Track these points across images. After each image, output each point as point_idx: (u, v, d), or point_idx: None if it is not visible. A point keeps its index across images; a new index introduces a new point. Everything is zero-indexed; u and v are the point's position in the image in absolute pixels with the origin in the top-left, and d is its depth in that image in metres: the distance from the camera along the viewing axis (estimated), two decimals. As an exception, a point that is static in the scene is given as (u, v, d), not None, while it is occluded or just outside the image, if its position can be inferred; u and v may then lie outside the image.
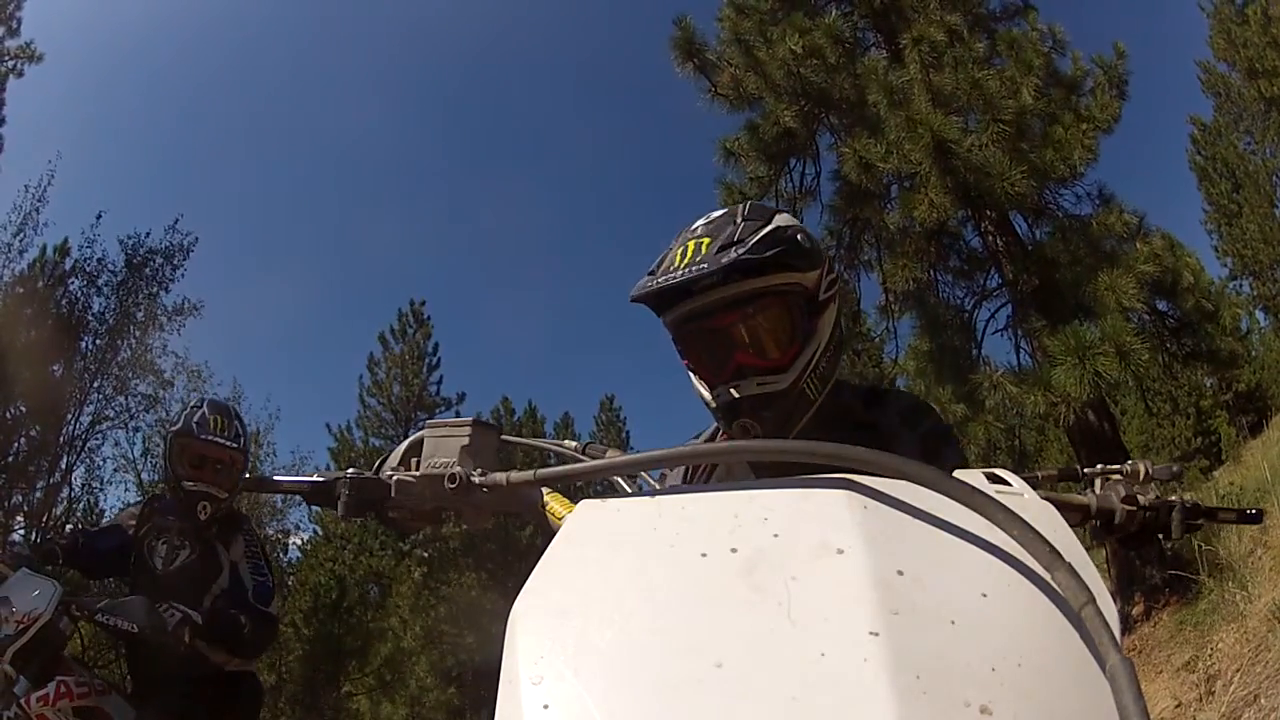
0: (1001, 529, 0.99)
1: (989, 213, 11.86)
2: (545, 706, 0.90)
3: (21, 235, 20.31)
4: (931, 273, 12.91)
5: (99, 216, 21.33)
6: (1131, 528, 1.42)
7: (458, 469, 1.39)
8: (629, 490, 1.49)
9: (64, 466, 19.73)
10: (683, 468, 2.27)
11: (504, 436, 1.55)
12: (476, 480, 1.37)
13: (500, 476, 1.35)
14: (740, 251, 1.92)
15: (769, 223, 2.04)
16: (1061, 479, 1.49)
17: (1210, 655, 8.19)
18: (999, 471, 1.24)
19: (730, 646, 0.91)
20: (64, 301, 20.45)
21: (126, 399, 20.86)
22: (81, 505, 19.77)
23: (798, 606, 0.94)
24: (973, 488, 1.03)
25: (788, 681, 0.87)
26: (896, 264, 12.72)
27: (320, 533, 26.29)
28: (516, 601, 1.05)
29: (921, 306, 12.70)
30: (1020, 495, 1.19)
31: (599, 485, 1.46)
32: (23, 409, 19.27)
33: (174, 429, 4.89)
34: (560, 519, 1.33)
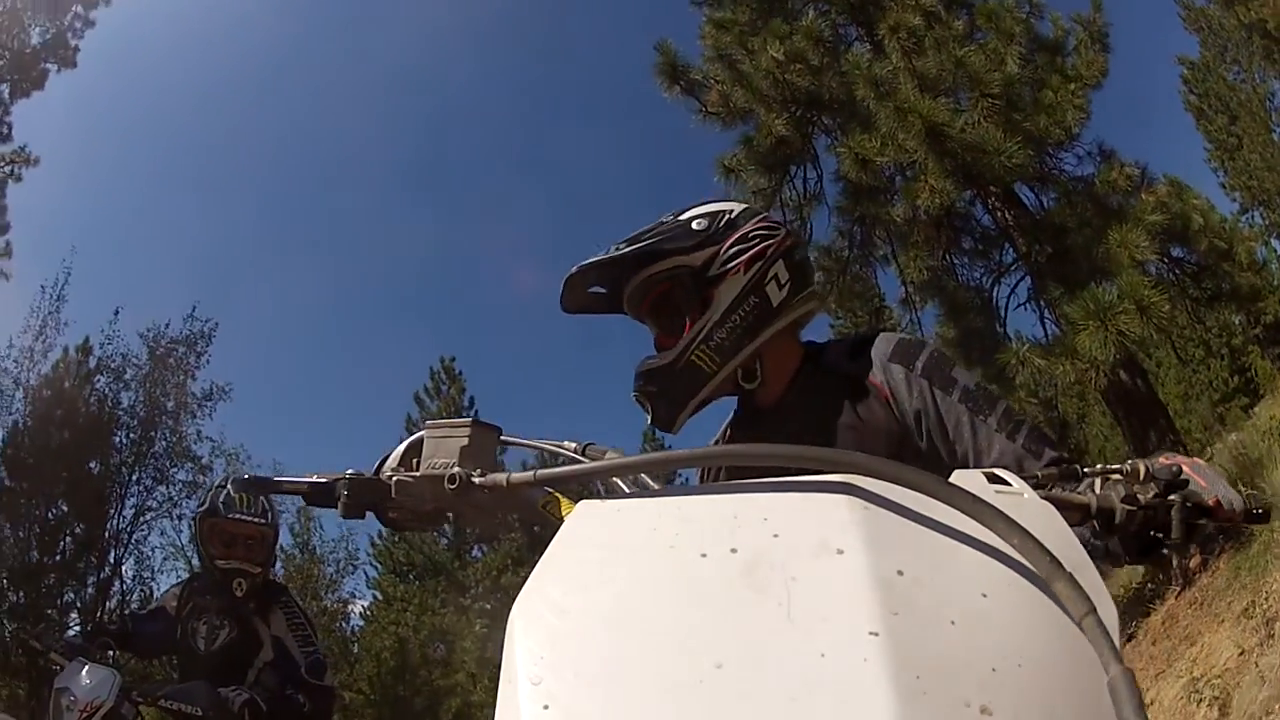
0: (1002, 538, 0.99)
1: (993, 189, 11.82)
2: (545, 707, 0.90)
3: (43, 337, 20.72)
4: (947, 258, 12.91)
5: (116, 312, 21.84)
6: (1131, 527, 1.41)
7: (458, 469, 1.38)
8: (629, 491, 1.47)
9: (113, 560, 20.06)
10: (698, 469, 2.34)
11: (504, 437, 1.56)
12: (477, 481, 1.37)
13: (500, 477, 1.34)
14: (601, 258, 2.20)
15: (678, 215, 2.29)
16: (1061, 479, 1.48)
17: (1266, 598, 8.15)
18: (998, 471, 1.24)
19: (730, 647, 0.91)
20: (92, 399, 20.80)
21: (167, 488, 21.32)
22: (135, 596, 20.02)
23: (798, 606, 0.94)
24: (973, 495, 1.02)
25: (788, 682, 0.87)
26: (910, 255, 12.73)
27: (380, 597, 26.31)
28: (516, 601, 1.05)
29: (941, 293, 12.69)
30: (1020, 495, 1.19)
31: (599, 486, 1.46)
32: (64, 508, 19.50)
33: (201, 510, 4.99)
34: (560, 519, 1.31)
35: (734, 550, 1.03)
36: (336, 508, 1.49)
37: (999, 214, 12.34)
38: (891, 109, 10.75)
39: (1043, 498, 1.20)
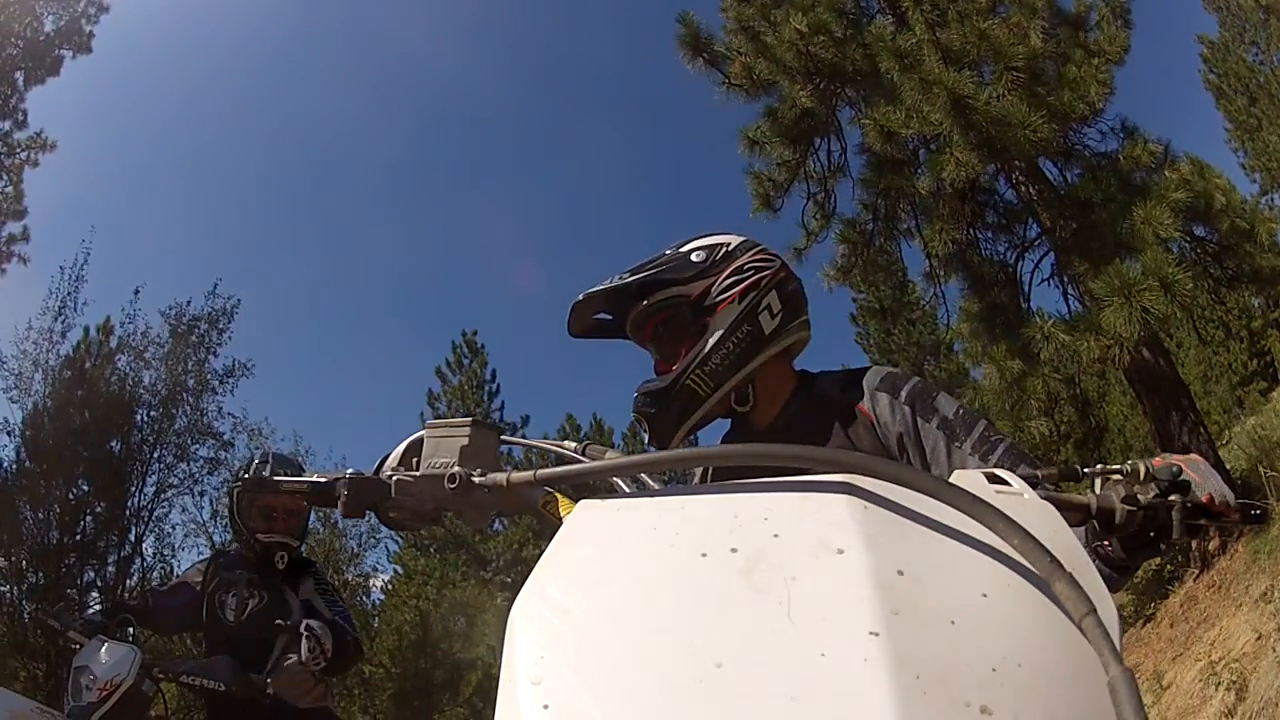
0: (1002, 538, 0.99)
1: (1017, 163, 11.74)
2: (545, 707, 0.91)
3: (63, 318, 20.83)
4: (970, 231, 12.85)
5: (137, 291, 21.92)
6: (1131, 528, 1.43)
7: (458, 469, 1.39)
8: (629, 490, 1.49)
9: (133, 538, 20.21)
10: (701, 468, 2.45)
11: (504, 438, 1.57)
12: (477, 480, 1.37)
13: (500, 477, 1.35)
14: (603, 287, 2.35)
15: (680, 247, 2.44)
16: (1061, 479, 1.52)
17: (1284, 584, 8.18)
18: (999, 472, 1.24)
19: (730, 646, 0.91)
20: (113, 379, 20.95)
21: (189, 465, 21.34)
22: (155, 574, 20.22)
23: (798, 606, 0.94)
24: (973, 495, 1.02)
25: (788, 681, 0.87)
26: (934, 228, 12.68)
27: (401, 571, 26.47)
28: (516, 601, 1.05)
29: (965, 267, 12.68)
30: (1020, 496, 1.19)
31: (599, 486, 1.46)
32: (85, 487, 19.72)
33: (241, 482, 5.03)
34: (560, 519, 1.32)
35: (734, 550, 1.03)
36: (337, 507, 1.50)
37: (1023, 188, 12.26)
38: (916, 81, 10.66)
39: (1043, 498, 1.20)
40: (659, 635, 0.95)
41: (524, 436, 2.00)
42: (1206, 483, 1.52)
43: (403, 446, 1.59)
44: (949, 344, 19.16)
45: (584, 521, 1.16)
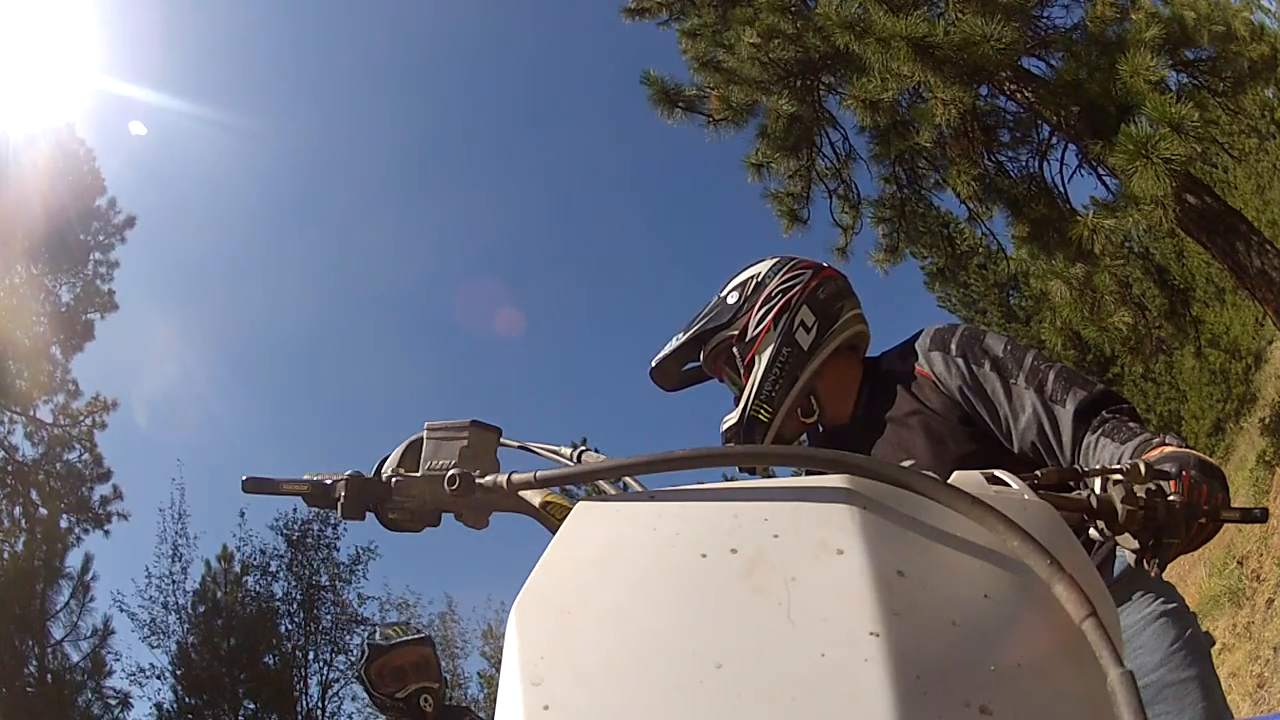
0: (1002, 539, 1.00)
1: (1002, 74, 11.61)
2: (545, 707, 0.91)
3: (179, 558, 21.49)
4: (989, 159, 12.77)
5: (242, 514, 22.69)
6: (1133, 527, 1.43)
7: (458, 470, 1.39)
8: (628, 492, 1.46)
9: (311, 738, 20.65)
10: None
11: (503, 440, 1.57)
12: (477, 481, 1.37)
13: (501, 478, 1.35)
14: (666, 351, 2.64)
15: (720, 292, 2.66)
16: (1061, 478, 1.50)
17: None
18: (998, 473, 1.25)
19: (730, 647, 0.92)
20: (247, 600, 21.49)
21: (346, 655, 21.97)
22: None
23: (798, 607, 0.95)
24: (972, 497, 1.03)
25: (788, 682, 0.88)
26: (954, 173, 12.74)
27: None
28: (516, 602, 1.05)
29: (999, 195, 12.63)
30: (1019, 496, 1.20)
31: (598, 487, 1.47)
32: (251, 706, 20.38)
33: (362, 665, 5.14)
34: (560, 520, 1.32)
35: (734, 550, 1.03)
36: (336, 508, 1.50)
37: (1018, 95, 12.09)
38: (874, 43, 10.55)
39: (1043, 498, 1.22)
40: (659, 636, 0.96)
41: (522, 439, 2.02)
42: (1212, 483, 1.58)
43: (402, 447, 1.59)
44: (1024, 272, 18.94)
45: (583, 522, 1.17)
